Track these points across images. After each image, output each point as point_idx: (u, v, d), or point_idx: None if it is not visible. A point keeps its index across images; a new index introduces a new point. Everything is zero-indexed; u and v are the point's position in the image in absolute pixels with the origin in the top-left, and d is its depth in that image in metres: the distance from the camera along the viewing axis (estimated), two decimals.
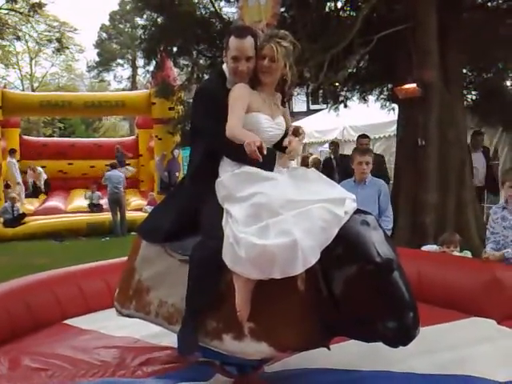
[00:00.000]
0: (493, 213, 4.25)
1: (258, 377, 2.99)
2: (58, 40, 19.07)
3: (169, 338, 3.23)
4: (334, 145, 9.76)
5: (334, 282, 2.58)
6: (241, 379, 2.96)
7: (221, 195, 2.77)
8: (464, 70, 8.15)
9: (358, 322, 2.59)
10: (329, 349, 2.76)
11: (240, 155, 2.71)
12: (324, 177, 2.92)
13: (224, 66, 2.97)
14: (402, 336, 2.54)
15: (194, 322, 2.73)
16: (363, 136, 7.69)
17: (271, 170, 2.80)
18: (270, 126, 2.85)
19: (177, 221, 2.93)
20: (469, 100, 8.30)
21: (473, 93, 8.38)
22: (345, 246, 2.54)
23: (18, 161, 14.37)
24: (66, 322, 3.96)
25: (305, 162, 10.51)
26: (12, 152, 13.98)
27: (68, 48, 22.67)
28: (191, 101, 3.11)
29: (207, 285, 2.69)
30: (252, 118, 2.80)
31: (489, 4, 7.82)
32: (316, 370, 2.99)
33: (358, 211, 2.71)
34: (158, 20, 8.12)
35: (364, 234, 2.58)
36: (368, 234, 2.59)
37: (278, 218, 2.52)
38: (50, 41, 19.63)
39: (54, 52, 19.75)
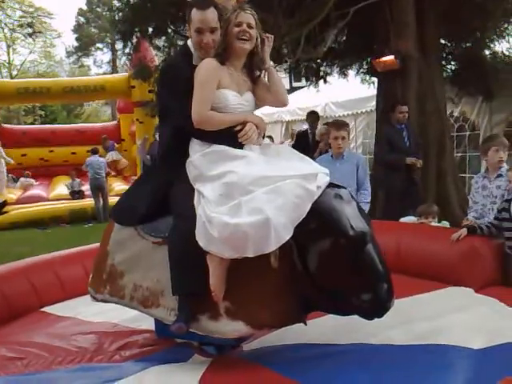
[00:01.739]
0: (474, 182, 4.25)
1: (236, 355, 2.98)
2: (30, 25, 18.66)
3: (147, 322, 3.20)
4: (312, 116, 8.28)
5: (309, 257, 2.56)
6: (220, 358, 2.93)
7: (192, 175, 2.73)
8: (442, 41, 8.10)
9: (333, 296, 2.60)
10: (305, 324, 2.75)
11: (209, 134, 2.69)
12: (296, 152, 2.87)
13: (189, 42, 2.89)
14: (376, 308, 2.55)
15: (186, 308, 2.67)
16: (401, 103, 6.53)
17: (241, 147, 2.74)
18: (238, 102, 2.78)
19: (150, 203, 2.88)
20: (448, 71, 8.25)
21: (452, 63, 8.33)
22: (318, 221, 2.52)
23: None
24: (43, 309, 3.91)
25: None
26: None
27: (41, 32, 22.18)
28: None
29: (190, 267, 2.63)
30: (220, 94, 2.73)
31: None
32: (294, 345, 2.97)
33: (331, 185, 2.68)
34: (132, 1, 7.97)
35: (337, 207, 2.56)
36: (341, 208, 2.57)
37: (250, 196, 2.49)
38: (21, 26, 19.20)
39: (25, 37, 19.31)
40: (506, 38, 7.90)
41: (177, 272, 2.64)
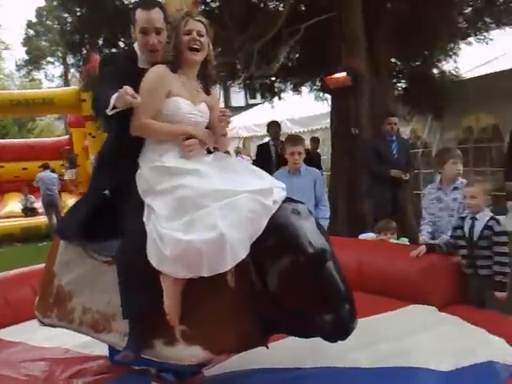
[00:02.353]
0: (428, 193, 4.28)
1: (197, 382, 2.87)
2: None
3: (101, 347, 3.05)
4: (274, 126, 7.88)
5: (268, 276, 2.47)
6: None
7: (141, 189, 2.58)
8: (393, 60, 8.29)
9: (295, 317, 2.50)
10: (267, 347, 2.65)
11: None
12: (251, 166, 2.81)
13: (135, 45, 2.79)
14: (339, 329, 2.47)
15: (137, 333, 2.53)
16: (391, 114, 6.48)
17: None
18: (190, 112, 2.67)
19: (86, 212, 2.72)
20: (399, 89, 8.44)
21: (402, 82, 8.53)
22: (275, 237, 2.43)
23: None
24: None
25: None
26: None
27: None
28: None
29: (140, 287, 2.49)
30: (171, 102, 2.62)
31: None
32: (257, 370, 2.88)
33: (288, 200, 2.60)
34: (81, 12, 7.80)
35: (295, 223, 2.47)
36: (299, 224, 2.48)
37: (204, 211, 2.38)
38: None
39: None
40: (453, 57, 8.14)
41: (126, 293, 2.50)
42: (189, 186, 2.46)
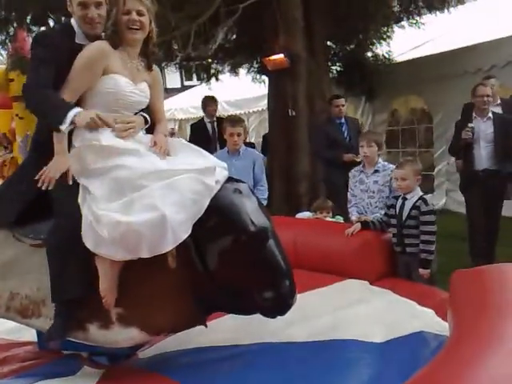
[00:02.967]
0: (351, 176, 4.36)
1: (131, 364, 2.78)
2: None
3: (28, 333, 2.94)
4: (209, 100, 7.12)
5: (209, 256, 2.44)
6: (112, 369, 2.72)
7: (76, 169, 2.45)
8: (329, 43, 8.36)
9: (235, 295, 2.49)
10: (206, 326, 2.61)
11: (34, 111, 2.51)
12: (191, 145, 2.72)
13: (72, 20, 2.62)
14: (279, 305, 2.50)
15: (65, 316, 2.43)
16: (337, 96, 6.33)
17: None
18: (131, 90, 2.57)
19: (23, 201, 2.56)
20: (334, 72, 8.54)
21: (337, 64, 8.63)
22: (217, 217, 2.40)
23: None
24: None
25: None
26: None
27: None
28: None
29: (71, 271, 2.38)
30: (110, 79, 2.51)
31: None
32: (194, 349, 2.82)
33: (229, 179, 2.57)
34: None
35: (237, 202, 2.46)
36: (241, 203, 2.47)
37: (143, 192, 2.29)
38: None
39: None
40: (387, 40, 8.31)
41: (57, 277, 2.39)
42: (127, 166, 2.37)
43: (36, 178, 2.40)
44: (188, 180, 2.34)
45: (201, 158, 2.58)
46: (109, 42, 2.53)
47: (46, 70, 2.44)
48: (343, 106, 6.12)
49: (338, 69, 8.69)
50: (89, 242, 2.29)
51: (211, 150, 4.30)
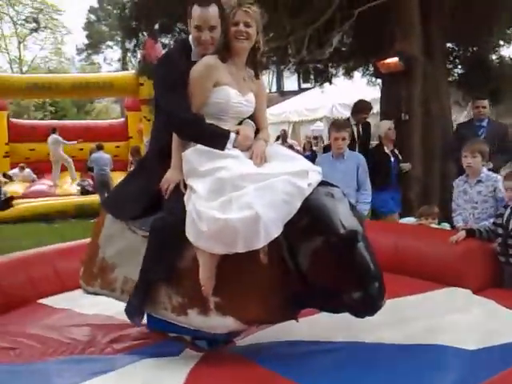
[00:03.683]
0: (455, 186, 4.26)
1: (229, 350, 2.97)
2: (35, 20, 18.78)
3: None
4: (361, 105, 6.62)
5: (300, 255, 2.56)
6: (211, 353, 2.93)
7: (184, 170, 2.72)
8: (449, 45, 8.07)
9: (324, 294, 2.59)
10: (297, 321, 2.75)
11: (191, 136, 2.73)
12: (287, 150, 2.88)
13: (190, 37, 2.89)
14: (367, 306, 2.54)
15: (144, 293, 2.76)
16: (477, 97, 6.05)
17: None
18: (238, 101, 2.78)
19: (145, 204, 2.88)
20: (455, 74, 8.22)
21: (458, 67, 8.30)
22: (309, 219, 2.52)
23: (6, 143, 14.29)
24: (40, 301, 3.92)
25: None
26: None
27: (46, 28, 22.27)
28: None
29: (163, 258, 2.70)
30: (221, 91, 2.74)
31: None
32: (287, 342, 2.96)
33: (323, 183, 2.67)
34: None
35: (328, 205, 2.55)
36: (332, 206, 2.56)
37: (241, 192, 2.49)
38: (26, 21, 19.35)
39: (30, 32, 19.43)
40: None
41: (149, 258, 2.71)
42: (228, 168, 2.58)
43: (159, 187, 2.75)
44: (281, 182, 2.49)
45: (295, 161, 2.72)
46: (218, 56, 2.75)
47: (179, 92, 2.71)
48: (484, 107, 5.81)
49: (460, 71, 8.37)
50: (190, 235, 2.54)
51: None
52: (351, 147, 5.31)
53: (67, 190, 13.40)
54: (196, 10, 2.76)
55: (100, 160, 11.30)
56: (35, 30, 18.60)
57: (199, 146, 2.69)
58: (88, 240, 4.50)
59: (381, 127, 6.18)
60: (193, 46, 2.85)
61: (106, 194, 11.23)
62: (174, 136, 2.77)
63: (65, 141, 14.28)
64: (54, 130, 14.46)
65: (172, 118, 2.76)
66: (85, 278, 3.12)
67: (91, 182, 12.89)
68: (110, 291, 2.98)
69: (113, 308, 3.49)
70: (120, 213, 2.99)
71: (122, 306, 3.16)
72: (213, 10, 2.76)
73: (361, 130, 6.45)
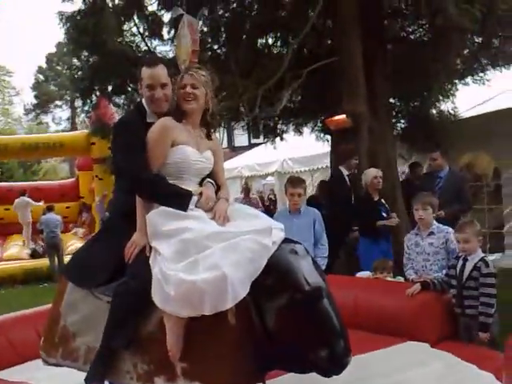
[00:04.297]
0: (407, 240, 4.36)
1: None
2: None
3: None
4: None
5: (266, 313, 2.56)
6: None
7: (148, 232, 2.72)
8: (392, 100, 8.48)
9: (291, 353, 2.58)
10: (264, 383, 2.72)
11: (153, 197, 2.75)
12: (248, 208, 2.93)
13: (143, 100, 2.97)
14: (334, 365, 2.54)
15: (106, 360, 2.70)
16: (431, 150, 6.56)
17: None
18: (197, 158, 2.85)
19: (109, 266, 2.84)
20: (398, 129, 8.60)
21: (401, 121, 8.70)
22: (274, 276, 2.53)
23: None
24: None
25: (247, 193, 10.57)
26: None
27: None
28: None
29: (126, 325, 2.66)
30: (178, 150, 2.79)
31: (411, 36, 8.23)
32: None
33: (286, 240, 2.71)
34: (91, 59, 8.11)
35: (292, 262, 2.58)
36: (296, 263, 2.58)
37: (206, 252, 2.49)
38: None
39: None
40: (451, 97, 8.32)
41: (112, 325, 2.66)
42: (192, 228, 2.59)
43: (124, 251, 2.74)
44: (247, 241, 2.51)
45: (258, 219, 2.76)
46: (173, 117, 2.83)
47: (139, 154, 2.74)
48: (434, 159, 6.17)
49: (403, 126, 8.77)
50: (157, 299, 2.51)
51: None
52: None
53: (14, 254, 12.92)
54: (145, 71, 2.87)
55: (50, 222, 10.99)
56: None
57: (162, 208, 2.70)
58: (44, 307, 4.40)
59: (367, 175, 6.13)
60: (147, 108, 2.93)
61: (55, 257, 10.93)
62: (138, 199, 2.78)
63: (33, 202, 13.87)
64: (23, 192, 14.15)
65: (134, 180, 2.78)
66: (45, 348, 3.01)
67: (43, 243, 12.52)
68: (72, 361, 2.88)
69: (71, 380, 3.35)
70: (84, 282, 2.92)
71: (82, 377, 3.06)
72: (161, 67, 2.88)
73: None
